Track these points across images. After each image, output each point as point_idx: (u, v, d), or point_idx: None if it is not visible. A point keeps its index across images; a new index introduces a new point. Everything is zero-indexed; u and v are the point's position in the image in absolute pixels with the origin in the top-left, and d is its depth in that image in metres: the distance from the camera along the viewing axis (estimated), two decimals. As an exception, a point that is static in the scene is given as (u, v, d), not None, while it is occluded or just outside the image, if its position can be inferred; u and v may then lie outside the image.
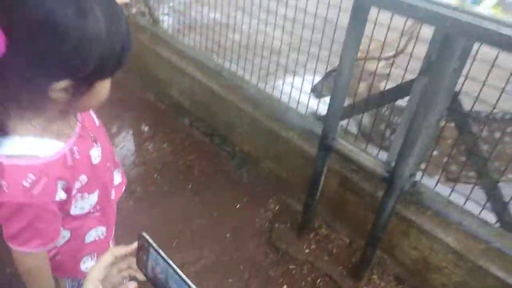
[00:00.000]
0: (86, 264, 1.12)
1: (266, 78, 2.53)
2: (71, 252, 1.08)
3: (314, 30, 2.05)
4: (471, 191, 1.73)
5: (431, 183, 1.89)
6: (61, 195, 0.88)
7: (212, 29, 2.76)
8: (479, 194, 1.80)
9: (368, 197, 1.98)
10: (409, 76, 1.72)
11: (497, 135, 2.02)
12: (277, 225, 2.29)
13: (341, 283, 2.01)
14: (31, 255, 0.92)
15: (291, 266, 2.11)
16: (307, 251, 2.16)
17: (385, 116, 2.28)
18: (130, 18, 3.27)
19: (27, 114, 0.81)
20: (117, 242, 1.19)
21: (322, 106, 2.21)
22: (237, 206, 2.43)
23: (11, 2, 0.67)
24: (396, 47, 1.92)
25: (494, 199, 1.74)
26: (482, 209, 1.74)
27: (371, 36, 1.79)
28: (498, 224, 1.74)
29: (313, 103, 2.26)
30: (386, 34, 1.73)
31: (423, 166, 1.84)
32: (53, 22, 0.67)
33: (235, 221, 2.34)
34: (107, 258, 0.76)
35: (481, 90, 1.49)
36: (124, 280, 0.80)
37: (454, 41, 1.25)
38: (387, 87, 1.98)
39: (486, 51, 1.33)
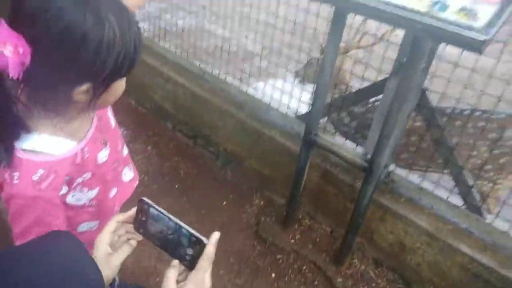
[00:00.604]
0: None
1: (248, 80, 2.66)
2: None
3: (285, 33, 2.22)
4: (439, 179, 1.92)
5: (404, 173, 2.08)
6: (64, 189, 0.94)
7: (190, 34, 2.86)
8: (448, 181, 2.00)
9: (347, 188, 2.13)
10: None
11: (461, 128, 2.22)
12: (263, 219, 2.41)
13: (325, 269, 2.16)
14: None
15: (278, 256, 2.24)
16: (292, 241, 2.29)
17: (358, 113, 2.47)
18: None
19: (50, 114, 0.88)
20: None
21: (302, 106, 2.36)
22: (224, 203, 2.53)
23: (34, 16, 0.72)
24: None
25: (460, 184, 1.94)
26: (450, 194, 1.93)
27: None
28: (464, 207, 1.94)
29: (294, 103, 2.40)
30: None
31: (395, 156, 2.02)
32: (73, 32, 0.73)
33: (222, 217, 2.45)
34: (112, 224, 0.84)
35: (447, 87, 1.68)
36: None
37: (423, 43, 1.42)
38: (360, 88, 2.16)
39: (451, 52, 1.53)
